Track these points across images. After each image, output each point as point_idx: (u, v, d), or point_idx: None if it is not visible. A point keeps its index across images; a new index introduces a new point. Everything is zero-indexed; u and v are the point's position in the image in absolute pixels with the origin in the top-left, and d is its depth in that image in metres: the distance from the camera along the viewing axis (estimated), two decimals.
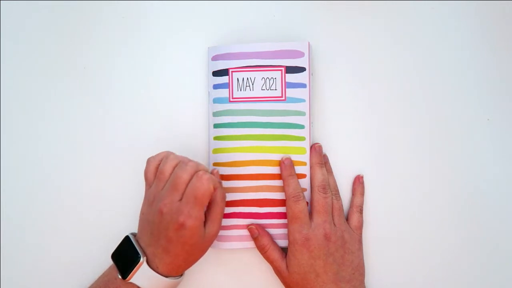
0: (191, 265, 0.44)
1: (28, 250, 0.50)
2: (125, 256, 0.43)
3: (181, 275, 0.44)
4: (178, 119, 0.50)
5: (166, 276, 0.42)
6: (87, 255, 0.50)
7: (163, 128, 0.50)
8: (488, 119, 0.49)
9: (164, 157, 0.44)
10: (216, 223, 0.43)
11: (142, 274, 0.42)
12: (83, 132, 0.51)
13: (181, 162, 0.43)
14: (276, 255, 0.46)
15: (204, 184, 0.41)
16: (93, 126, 0.51)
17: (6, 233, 0.50)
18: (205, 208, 0.42)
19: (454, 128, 0.49)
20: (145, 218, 0.44)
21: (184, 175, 0.41)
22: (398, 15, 0.50)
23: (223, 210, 0.44)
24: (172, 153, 0.44)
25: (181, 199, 0.41)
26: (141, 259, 0.42)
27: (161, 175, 0.43)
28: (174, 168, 0.43)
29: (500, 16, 0.50)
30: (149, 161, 0.45)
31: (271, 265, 0.47)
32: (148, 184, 0.45)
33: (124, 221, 0.49)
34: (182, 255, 0.42)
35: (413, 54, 0.50)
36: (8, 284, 0.50)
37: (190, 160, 0.43)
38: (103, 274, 0.45)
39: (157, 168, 0.44)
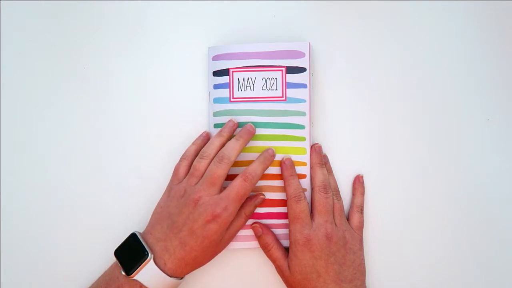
0: (196, 268, 0.45)
1: (29, 250, 0.50)
2: (131, 253, 0.43)
3: (182, 278, 0.45)
4: (179, 119, 0.50)
5: (170, 276, 0.43)
6: (88, 255, 0.49)
7: (163, 128, 0.50)
8: (488, 119, 0.49)
9: (198, 155, 0.46)
10: (232, 234, 0.46)
11: (148, 271, 0.42)
12: (83, 131, 0.51)
13: (215, 158, 0.44)
14: (279, 254, 0.46)
15: (247, 188, 0.44)
16: (93, 126, 0.51)
17: (6, 233, 0.50)
18: (238, 208, 0.44)
19: (454, 128, 0.49)
20: (165, 211, 0.45)
21: (219, 171, 0.43)
22: (398, 15, 0.50)
23: (242, 226, 0.47)
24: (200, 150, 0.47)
25: (218, 193, 0.43)
26: (149, 256, 0.42)
27: (196, 171, 0.45)
28: (208, 165, 0.45)
29: (500, 16, 0.50)
30: (182, 158, 0.48)
31: (274, 264, 0.47)
32: (178, 179, 0.46)
33: (125, 221, 0.49)
34: (197, 251, 0.43)
35: (413, 54, 0.50)
36: (8, 284, 0.50)
37: (223, 158, 0.44)
38: (104, 273, 0.45)
39: (190, 165, 0.47)
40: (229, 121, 0.47)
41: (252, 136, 0.47)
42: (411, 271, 0.48)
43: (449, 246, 0.49)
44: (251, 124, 0.47)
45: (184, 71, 0.51)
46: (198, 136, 0.49)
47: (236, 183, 0.44)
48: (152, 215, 0.46)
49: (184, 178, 0.46)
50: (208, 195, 0.43)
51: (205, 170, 0.45)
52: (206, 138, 0.49)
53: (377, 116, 0.50)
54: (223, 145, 0.46)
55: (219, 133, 0.47)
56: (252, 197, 0.47)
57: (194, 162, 0.46)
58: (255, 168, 0.45)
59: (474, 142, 0.49)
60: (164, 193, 0.47)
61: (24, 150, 0.51)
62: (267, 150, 0.46)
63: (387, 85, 0.50)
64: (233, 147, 0.45)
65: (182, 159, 0.48)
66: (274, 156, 0.46)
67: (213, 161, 0.44)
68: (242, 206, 0.46)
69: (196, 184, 0.44)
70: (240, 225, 0.46)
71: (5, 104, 0.51)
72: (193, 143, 0.49)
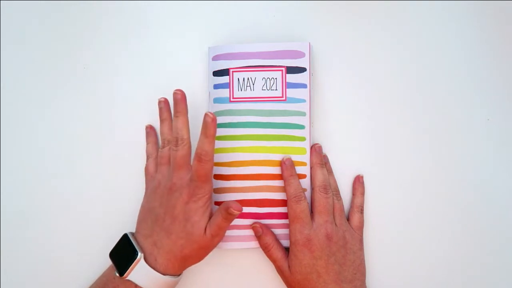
0: (188, 264, 0.44)
1: (28, 251, 0.50)
2: (123, 254, 0.44)
3: (179, 275, 0.44)
4: None
5: (164, 274, 0.43)
6: (87, 256, 0.50)
7: None
8: (488, 119, 0.49)
9: (159, 149, 0.48)
10: (215, 230, 0.43)
11: (139, 271, 0.42)
12: (82, 131, 0.51)
13: (171, 144, 0.45)
14: (279, 254, 0.46)
15: (205, 167, 0.42)
16: (93, 126, 0.51)
17: (6, 233, 0.50)
18: (211, 187, 0.44)
19: (454, 128, 0.49)
20: (147, 207, 0.45)
21: (179, 153, 0.44)
22: (398, 15, 0.50)
23: (222, 224, 0.43)
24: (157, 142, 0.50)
25: (189, 174, 0.43)
26: (138, 256, 0.42)
27: (162, 159, 0.47)
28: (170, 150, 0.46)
29: (500, 16, 0.50)
30: (147, 158, 0.49)
31: (274, 264, 0.47)
32: (151, 177, 0.48)
33: (124, 221, 0.49)
34: (182, 238, 0.43)
35: (413, 54, 0.50)
36: (8, 284, 0.50)
37: (176, 140, 0.44)
38: (103, 274, 0.46)
39: (156, 160, 0.49)
40: (158, 103, 0.49)
41: (184, 102, 0.45)
42: (411, 271, 0.49)
43: (449, 246, 0.49)
44: (176, 90, 0.45)
45: (184, 71, 0.51)
46: (145, 134, 0.50)
47: (195, 167, 0.43)
48: (138, 216, 0.47)
49: (155, 172, 0.48)
50: (179, 179, 0.44)
51: (170, 155, 0.46)
52: (153, 131, 0.50)
53: (377, 116, 0.50)
54: (171, 127, 0.48)
55: (160, 120, 0.49)
56: (226, 203, 0.43)
57: (158, 153, 0.48)
58: (202, 146, 0.42)
59: (474, 142, 0.49)
60: (144, 194, 0.48)
61: (24, 150, 0.51)
62: (204, 116, 0.42)
63: (387, 85, 0.50)
64: (177, 126, 0.44)
65: (147, 158, 0.50)
66: (214, 120, 0.42)
67: (170, 147, 0.46)
68: (221, 206, 0.43)
69: (167, 172, 0.45)
70: (220, 222, 0.43)
71: (5, 104, 0.51)
72: (147, 143, 0.50)
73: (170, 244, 0.43)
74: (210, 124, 0.42)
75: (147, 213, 0.45)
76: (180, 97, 0.45)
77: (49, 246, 0.50)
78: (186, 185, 0.43)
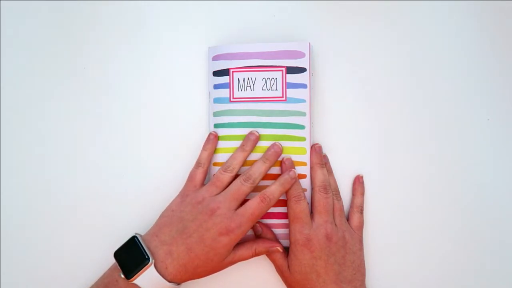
0: (194, 278, 0.44)
1: (28, 251, 0.50)
2: (131, 257, 0.43)
3: (179, 284, 0.45)
4: (178, 119, 0.50)
5: (169, 281, 0.43)
6: (87, 256, 0.49)
7: (163, 128, 0.50)
8: (488, 119, 0.49)
9: (222, 167, 0.46)
10: (235, 259, 0.45)
11: (148, 276, 0.42)
12: (82, 132, 0.51)
13: (242, 176, 0.45)
14: (278, 254, 0.46)
15: (263, 209, 0.44)
16: (93, 126, 0.51)
17: (6, 233, 0.50)
18: (251, 227, 0.44)
19: (454, 128, 0.49)
20: (177, 215, 0.45)
21: (244, 189, 0.44)
22: (398, 15, 0.50)
23: (247, 258, 0.45)
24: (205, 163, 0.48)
25: (235, 209, 0.44)
26: (150, 261, 0.42)
27: (218, 182, 0.45)
28: (232, 179, 0.46)
29: (500, 16, 0.50)
30: (197, 165, 0.47)
31: (274, 264, 0.47)
32: (194, 186, 0.46)
33: (125, 222, 0.49)
34: (200, 259, 0.43)
35: (413, 54, 0.50)
36: (8, 284, 0.50)
37: (249, 178, 0.45)
38: (103, 275, 0.45)
39: (205, 173, 0.47)
40: (251, 134, 0.47)
41: (279, 156, 0.47)
42: (411, 271, 0.49)
43: (449, 246, 0.49)
44: (278, 143, 0.47)
45: (184, 71, 0.51)
46: (206, 139, 0.48)
47: (253, 203, 0.44)
48: (161, 218, 0.46)
49: (200, 185, 0.46)
50: (226, 208, 0.43)
51: (228, 183, 0.45)
52: (215, 141, 0.48)
53: (377, 116, 0.50)
54: (245, 159, 0.46)
55: (242, 147, 0.46)
56: (269, 242, 0.46)
57: (217, 173, 0.46)
58: (273, 191, 0.45)
59: (474, 142, 0.49)
60: (177, 197, 0.47)
61: (24, 150, 0.51)
62: (288, 172, 0.45)
63: (387, 85, 0.50)
64: (260, 170, 0.45)
65: (197, 166, 0.47)
66: (295, 179, 0.45)
67: (239, 178, 0.45)
68: (256, 242, 0.46)
69: (216, 194, 0.45)
70: (246, 256, 0.45)
71: (5, 104, 0.51)
72: (204, 149, 0.48)
73: (186, 259, 0.43)
74: (293, 181, 0.45)
75: (175, 221, 0.44)
76: (279, 151, 0.46)
77: (49, 246, 0.50)
78: (229, 216, 0.43)
